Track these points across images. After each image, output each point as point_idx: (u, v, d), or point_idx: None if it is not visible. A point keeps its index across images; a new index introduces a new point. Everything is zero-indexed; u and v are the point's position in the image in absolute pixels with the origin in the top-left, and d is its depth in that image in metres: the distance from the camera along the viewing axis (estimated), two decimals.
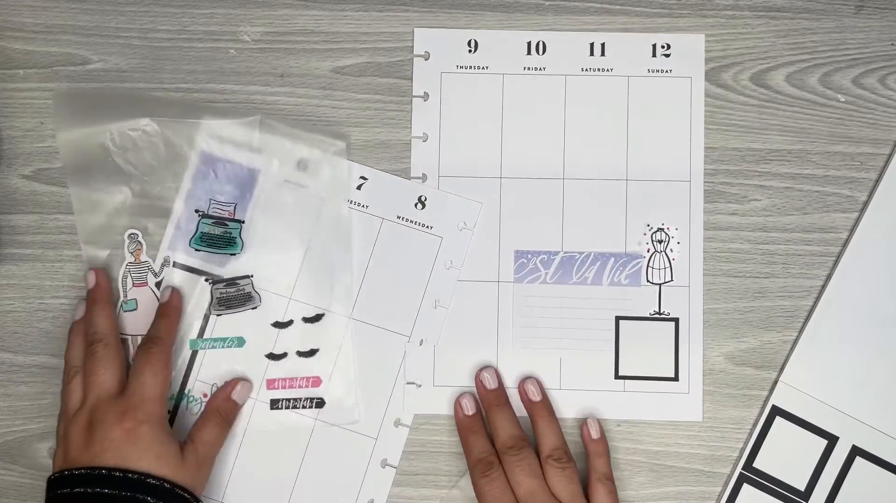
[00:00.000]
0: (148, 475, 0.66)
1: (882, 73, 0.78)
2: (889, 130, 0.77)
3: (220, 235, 0.76)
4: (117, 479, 0.66)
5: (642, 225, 0.77)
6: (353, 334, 0.76)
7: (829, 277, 0.76)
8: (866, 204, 0.76)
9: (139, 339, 0.75)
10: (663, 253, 0.77)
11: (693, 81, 0.78)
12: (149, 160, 0.76)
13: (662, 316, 0.77)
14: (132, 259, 0.76)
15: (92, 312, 0.74)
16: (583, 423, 0.74)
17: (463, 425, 0.74)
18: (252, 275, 0.76)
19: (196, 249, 0.76)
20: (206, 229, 0.76)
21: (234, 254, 0.76)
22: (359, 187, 0.77)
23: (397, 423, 0.76)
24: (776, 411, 0.75)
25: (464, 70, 0.78)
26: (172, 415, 0.76)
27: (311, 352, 0.76)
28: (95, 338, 0.72)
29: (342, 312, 0.76)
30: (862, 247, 0.76)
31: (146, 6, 0.78)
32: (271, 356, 0.76)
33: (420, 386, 0.76)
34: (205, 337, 0.76)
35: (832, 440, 0.75)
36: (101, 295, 0.75)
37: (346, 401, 0.76)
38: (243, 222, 0.76)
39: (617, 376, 0.77)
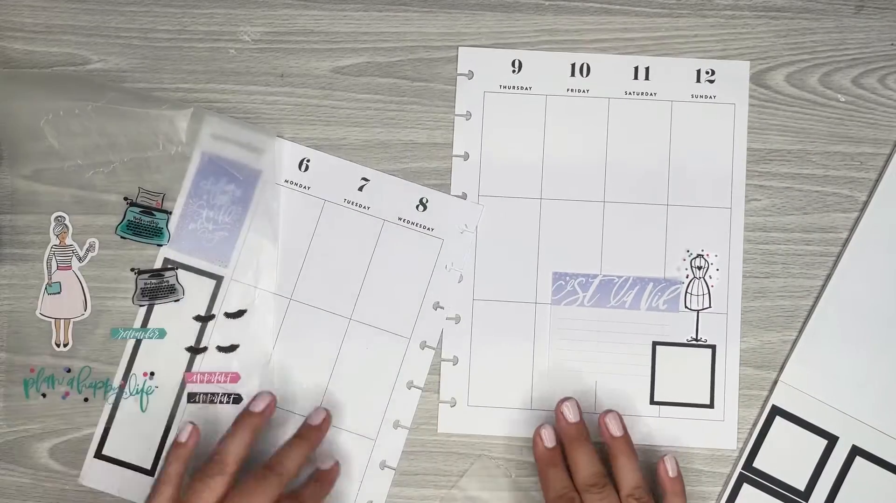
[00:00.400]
0: None
1: (882, 73, 0.77)
2: (889, 130, 0.77)
3: (146, 225, 0.76)
4: None
5: (682, 250, 0.77)
6: (278, 338, 0.77)
7: (829, 277, 0.76)
8: (866, 204, 0.76)
9: (61, 323, 0.76)
10: (702, 279, 0.76)
11: (737, 108, 0.77)
12: (81, 143, 0.76)
13: (699, 342, 0.76)
14: (57, 242, 0.76)
15: (294, 447, 0.72)
16: (659, 461, 0.72)
17: (543, 458, 0.72)
18: (177, 268, 0.76)
19: (122, 237, 0.76)
20: (132, 217, 0.76)
21: (161, 245, 0.76)
22: (360, 188, 0.77)
23: (396, 425, 0.76)
24: (776, 411, 0.75)
25: (507, 90, 0.78)
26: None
27: (232, 348, 0.76)
28: (279, 468, 0.69)
29: (268, 294, 0.77)
30: (862, 247, 0.76)
31: (146, 6, 0.78)
32: (191, 349, 0.76)
33: (454, 405, 0.76)
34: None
35: (832, 440, 0.75)
36: (314, 438, 0.73)
37: None
38: (170, 213, 0.76)
39: (652, 401, 0.76)
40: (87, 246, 0.77)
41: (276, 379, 0.76)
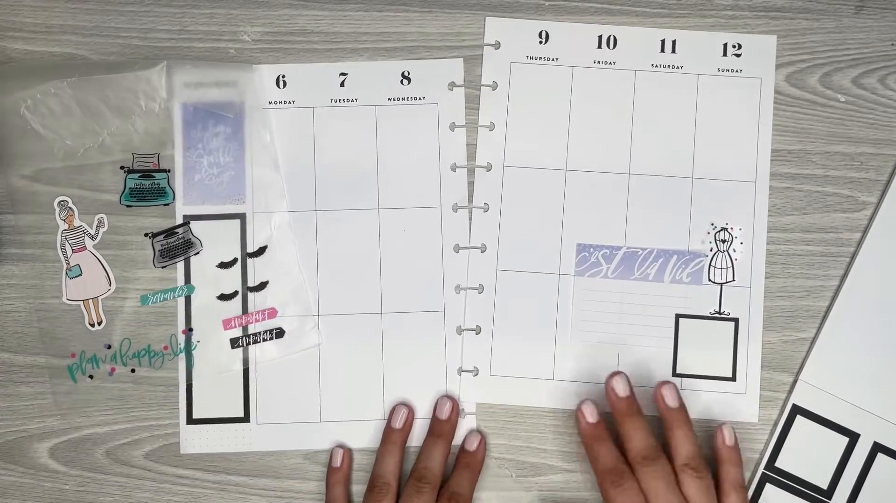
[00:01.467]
0: None
1: (882, 73, 0.78)
2: (889, 130, 0.78)
3: (148, 188, 0.76)
4: None
5: (706, 224, 0.77)
6: (318, 253, 0.77)
7: (845, 275, 0.76)
8: (880, 200, 0.76)
9: (90, 303, 0.76)
10: (726, 253, 0.76)
11: (763, 82, 0.77)
12: (65, 123, 0.76)
13: (722, 315, 0.76)
14: (66, 226, 0.76)
15: (433, 448, 0.74)
16: (717, 429, 0.72)
17: (588, 433, 0.72)
18: (189, 222, 0.76)
19: (128, 205, 0.76)
20: (133, 184, 0.76)
21: (168, 204, 0.76)
22: (342, 84, 0.77)
23: (459, 289, 0.77)
24: (797, 410, 0.75)
25: (534, 61, 0.78)
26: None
27: (262, 286, 0.77)
28: (427, 475, 0.72)
29: (284, 225, 0.77)
30: (878, 244, 0.76)
31: (146, 6, 0.78)
32: (223, 297, 0.76)
33: (477, 374, 0.76)
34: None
35: (853, 437, 0.74)
36: (447, 432, 0.75)
37: (305, 327, 0.76)
38: (169, 171, 0.77)
39: (674, 374, 0.76)
40: (96, 223, 0.76)
41: (318, 297, 0.77)
